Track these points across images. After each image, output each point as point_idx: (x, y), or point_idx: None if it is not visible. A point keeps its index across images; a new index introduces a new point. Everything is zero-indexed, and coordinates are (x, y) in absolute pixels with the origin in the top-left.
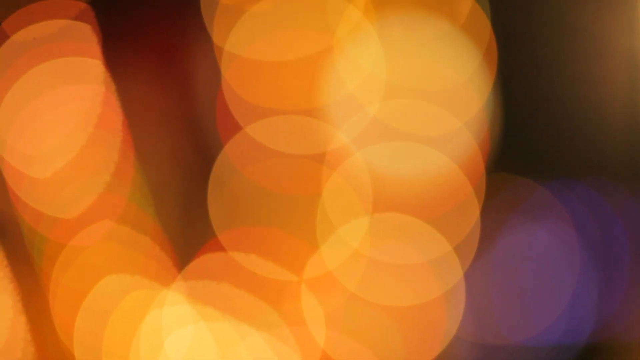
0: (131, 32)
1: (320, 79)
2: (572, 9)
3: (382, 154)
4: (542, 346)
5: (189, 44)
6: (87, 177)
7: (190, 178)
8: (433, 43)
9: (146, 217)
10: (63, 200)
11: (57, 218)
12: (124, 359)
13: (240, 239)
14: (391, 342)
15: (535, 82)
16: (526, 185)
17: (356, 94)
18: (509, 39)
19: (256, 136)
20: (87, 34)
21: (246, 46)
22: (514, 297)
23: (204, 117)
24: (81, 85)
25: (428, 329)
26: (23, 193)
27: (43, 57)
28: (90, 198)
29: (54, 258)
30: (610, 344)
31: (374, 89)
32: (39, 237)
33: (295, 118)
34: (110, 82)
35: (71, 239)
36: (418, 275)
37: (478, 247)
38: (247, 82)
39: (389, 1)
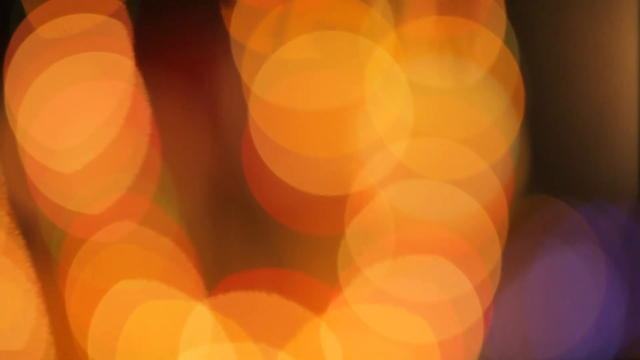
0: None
1: (349, 124)
2: (601, 49)
3: (407, 195)
4: None
5: (217, 77)
6: (111, 174)
7: (216, 194)
8: (461, 85)
9: (170, 220)
10: (85, 195)
11: (78, 213)
12: None
13: (262, 277)
14: None
15: (563, 117)
16: (556, 208)
17: (383, 136)
18: (537, 82)
19: (281, 175)
20: (120, 32)
21: (273, 89)
22: (541, 318)
23: (231, 151)
24: (110, 81)
25: None
26: (44, 186)
27: (72, 49)
28: (113, 196)
29: (72, 254)
30: None
31: (401, 131)
32: (57, 232)
33: (321, 159)
34: (140, 81)
35: (91, 235)
36: (439, 313)
37: (505, 269)
38: (274, 123)
39: (417, 44)
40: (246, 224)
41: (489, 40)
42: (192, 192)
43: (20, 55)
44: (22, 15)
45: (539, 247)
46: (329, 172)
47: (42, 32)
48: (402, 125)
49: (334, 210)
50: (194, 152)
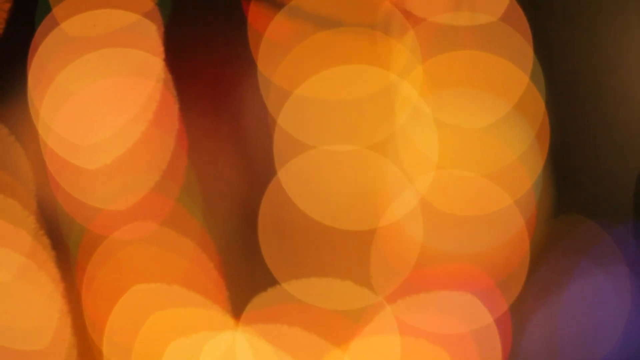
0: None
1: (376, 159)
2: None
3: (431, 229)
4: None
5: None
6: (135, 173)
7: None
8: (486, 122)
9: (194, 222)
10: (107, 192)
11: (99, 209)
12: None
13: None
14: None
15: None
16: (587, 229)
17: (409, 171)
18: (562, 118)
19: (307, 210)
20: (151, 31)
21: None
22: (571, 339)
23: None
24: (139, 79)
25: None
26: (65, 181)
27: (100, 45)
28: (136, 194)
29: (92, 250)
30: None
31: (426, 166)
32: (77, 228)
33: (347, 194)
34: (169, 81)
35: (112, 232)
36: (460, 345)
37: (535, 290)
38: (301, 159)
39: (444, 79)
40: (272, 238)
41: (515, 76)
42: (217, 195)
43: (45, 49)
44: (47, 9)
45: (570, 268)
46: (355, 207)
47: (67, 26)
48: (427, 160)
49: (359, 244)
50: (220, 158)
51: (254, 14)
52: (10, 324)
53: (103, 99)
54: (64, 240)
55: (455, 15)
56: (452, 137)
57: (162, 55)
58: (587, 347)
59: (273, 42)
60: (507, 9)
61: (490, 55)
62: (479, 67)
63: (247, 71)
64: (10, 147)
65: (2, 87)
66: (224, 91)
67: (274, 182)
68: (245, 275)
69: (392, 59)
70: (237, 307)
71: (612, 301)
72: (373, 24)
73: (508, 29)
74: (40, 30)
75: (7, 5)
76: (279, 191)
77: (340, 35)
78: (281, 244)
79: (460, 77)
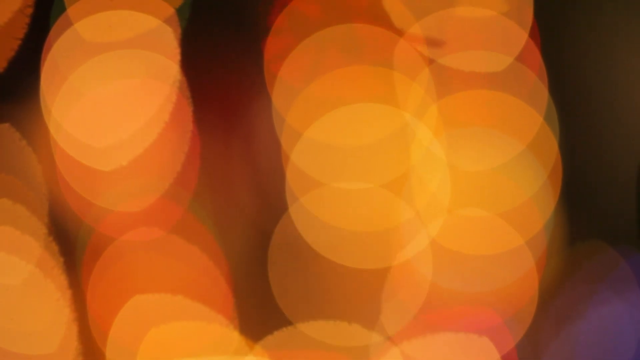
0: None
1: (388, 199)
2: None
3: (442, 268)
4: None
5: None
6: (147, 176)
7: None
8: (499, 161)
9: (205, 232)
10: (117, 194)
11: (109, 210)
12: None
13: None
14: None
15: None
16: (606, 256)
17: (420, 211)
18: (575, 158)
19: (319, 248)
20: (168, 36)
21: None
22: None
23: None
24: (154, 83)
25: None
26: (74, 181)
27: (116, 46)
28: (147, 199)
29: (98, 253)
30: None
31: (438, 206)
32: (85, 228)
33: (359, 233)
34: (185, 86)
35: (120, 234)
36: None
37: (554, 317)
38: (315, 198)
39: (458, 119)
40: (282, 273)
41: (529, 116)
42: (228, 210)
43: (58, 48)
44: (62, 8)
45: (586, 296)
46: (366, 246)
47: (81, 27)
48: (439, 200)
49: (369, 283)
50: (233, 176)
51: (270, 50)
52: (18, 329)
53: (117, 101)
54: (73, 245)
55: (470, 54)
56: (465, 177)
57: (178, 61)
58: None
59: (288, 81)
60: (523, 49)
61: (504, 94)
62: (493, 107)
63: (261, 96)
64: (21, 151)
65: (16, 87)
66: (237, 112)
67: (285, 217)
68: (253, 293)
69: (406, 98)
70: (244, 322)
71: (630, 329)
72: (389, 62)
73: (523, 69)
74: (54, 29)
75: (29, 10)
76: (290, 227)
77: (355, 74)
78: (291, 280)
79: (474, 116)
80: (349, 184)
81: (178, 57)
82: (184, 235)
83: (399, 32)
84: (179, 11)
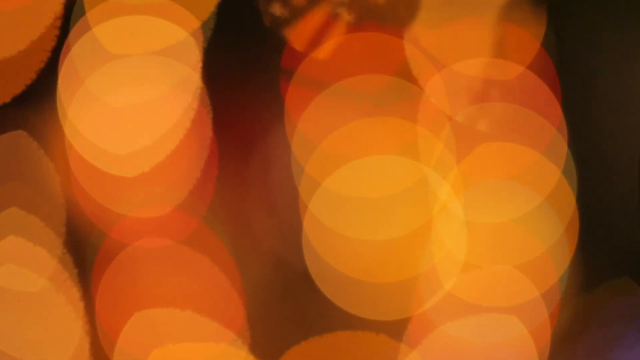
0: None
1: (406, 252)
2: None
3: (456, 320)
4: None
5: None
6: (164, 185)
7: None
8: (516, 214)
9: (219, 245)
10: (132, 200)
11: (122, 215)
12: None
13: None
14: None
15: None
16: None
17: (436, 265)
18: (593, 211)
19: (335, 301)
20: (191, 46)
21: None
22: None
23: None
24: (176, 91)
25: None
26: (88, 184)
27: (136, 49)
28: (162, 207)
29: (110, 259)
30: None
31: (453, 261)
32: (97, 233)
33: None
34: (205, 96)
35: (133, 241)
36: None
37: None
38: (333, 249)
39: (475, 173)
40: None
41: (548, 169)
42: (243, 228)
43: (77, 51)
44: (82, 11)
45: (616, 336)
46: (383, 298)
47: (99, 31)
48: (455, 252)
49: (386, 337)
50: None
51: (291, 99)
52: (30, 340)
53: (136, 108)
54: (85, 255)
55: (490, 107)
56: (482, 229)
57: (200, 71)
58: None
59: (308, 132)
60: (543, 101)
61: (523, 147)
62: (511, 159)
63: (280, 122)
64: (37, 158)
65: (36, 93)
66: (255, 136)
67: (302, 271)
68: (266, 315)
69: (426, 151)
70: (255, 340)
71: None
72: (412, 116)
73: (542, 122)
74: (73, 32)
75: (59, 23)
76: (307, 281)
77: (375, 125)
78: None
79: (492, 168)
80: (365, 235)
81: (200, 68)
82: (197, 247)
83: (419, 84)
84: (204, 26)
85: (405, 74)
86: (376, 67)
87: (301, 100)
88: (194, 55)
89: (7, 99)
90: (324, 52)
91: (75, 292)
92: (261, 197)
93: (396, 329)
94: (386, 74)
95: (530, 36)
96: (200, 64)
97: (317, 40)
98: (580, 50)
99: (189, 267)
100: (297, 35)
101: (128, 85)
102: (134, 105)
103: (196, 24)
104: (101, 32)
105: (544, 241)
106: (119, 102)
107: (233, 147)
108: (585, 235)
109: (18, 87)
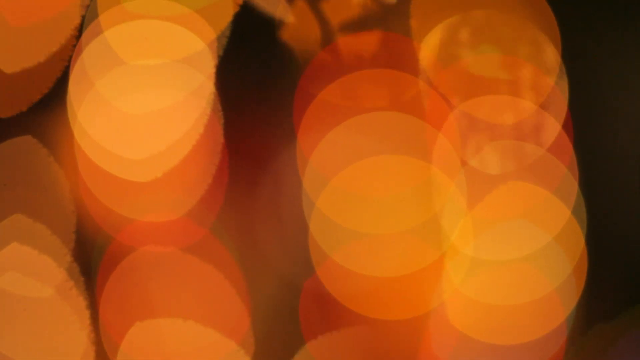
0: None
1: (414, 291)
2: None
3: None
4: None
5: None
6: (173, 192)
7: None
8: (525, 252)
9: (226, 255)
10: (140, 205)
11: (130, 219)
12: None
13: None
14: None
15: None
16: None
17: (444, 303)
18: (602, 251)
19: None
20: (207, 58)
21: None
22: None
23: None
24: (189, 97)
25: None
26: (96, 187)
27: (148, 54)
28: (170, 214)
29: (115, 263)
30: None
31: (461, 299)
32: (104, 236)
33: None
34: (218, 107)
35: (140, 245)
36: None
37: None
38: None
39: (485, 211)
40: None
41: (558, 208)
42: (250, 238)
43: (88, 52)
44: (95, 14)
45: None
46: (392, 337)
47: (110, 35)
48: (464, 290)
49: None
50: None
51: (303, 135)
52: (36, 346)
53: (148, 113)
54: (91, 262)
55: (502, 145)
56: (491, 267)
57: (214, 82)
58: None
59: (320, 168)
60: (555, 140)
61: (534, 186)
62: (521, 198)
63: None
64: (45, 164)
65: (48, 99)
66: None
67: (312, 278)
68: (271, 325)
69: (437, 190)
70: (258, 352)
71: None
72: (425, 155)
73: (554, 161)
74: (85, 35)
75: (76, 33)
76: (318, 286)
77: (387, 163)
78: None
79: (502, 207)
80: (375, 271)
81: (214, 78)
82: (203, 255)
83: (433, 122)
84: (219, 38)
85: (418, 112)
86: (390, 103)
87: (314, 134)
88: (209, 65)
89: (24, 108)
90: (336, 90)
91: (81, 301)
92: (270, 210)
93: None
94: (399, 111)
95: (542, 73)
96: (214, 74)
97: (331, 74)
98: (592, 88)
99: (195, 275)
100: (313, 67)
101: (141, 91)
102: (146, 111)
103: (212, 34)
104: (113, 36)
105: (552, 280)
106: (131, 107)
107: (244, 158)
108: (594, 274)
109: (35, 96)
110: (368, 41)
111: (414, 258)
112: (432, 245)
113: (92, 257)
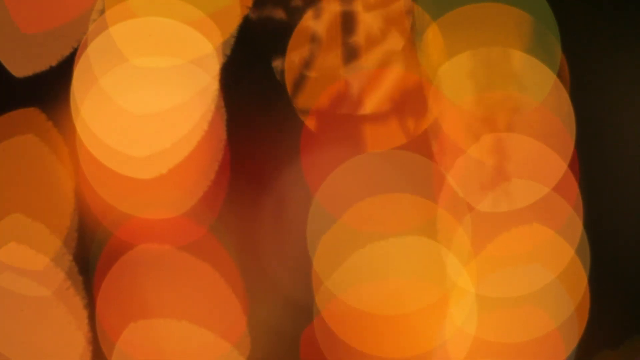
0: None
1: (417, 328)
2: None
3: None
4: None
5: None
6: (174, 190)
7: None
8: (528, 290)
9: (224, 255)
10: (140, 201)
11: (129, 216)
12: None
13: None
14: None
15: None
16: None
17: (447, 342)
18: (604, 291)
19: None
20: (213, 59)
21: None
22: None
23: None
24: (193, 97)
25: None
26: (97, 183)
27: (152, 51)
28: (171, 212)
29: (113, 259)
30: None
31: (464, 339)
32: (102, 232)
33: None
34: (221, 106)
35: (139, 242)
36: None
37: None
38: (345, 324)
39: (489, 249)
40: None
41: (562, 247)
42: (250, 239)
43: (93, 48)
44: (101, 11)
45: None
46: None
47: (115, 31)
48: (466, 328)
49: None
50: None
51: (309, 171)
52: (37, 346)
53: (153, 111)
54: (90, 262)
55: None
56: (493, 304)
57: (219, 84)
58: None
59: (325, 206)
60: (561, 179)
61: (538, 225)
62: (526, 237)
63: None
64: (49, 165)
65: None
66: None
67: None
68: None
69: (442, 231)
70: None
71: None
72: (432, 195)
73: (560, 201)
74: (91, 32)
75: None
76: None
77: (392, 203)
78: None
79: (506, 245)
80: (379, 309)
81: (219, 80)
82: (201, 255)
83: (440, 162)
84: (225, 43)
85: (426, 151)
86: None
87: (319, 173)
88: (215, 67)
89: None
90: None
91: (78, 300)
92: (270, 211)
93: None
94: (406, 150)
95: (548, 112)
96: (220, 76)
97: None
98: (600, 128)
99: (192, 274)
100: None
101: (144, 90)
102: (149, 110)
103: (220, 38)
104: (118, 32)
105: (554, 318)
106: (135, 104)
107: (247, 159)
108: (596, 314)
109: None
110: (378, 79)
111: (417, 295)
112: (435, 283)
113: (90, 254)
